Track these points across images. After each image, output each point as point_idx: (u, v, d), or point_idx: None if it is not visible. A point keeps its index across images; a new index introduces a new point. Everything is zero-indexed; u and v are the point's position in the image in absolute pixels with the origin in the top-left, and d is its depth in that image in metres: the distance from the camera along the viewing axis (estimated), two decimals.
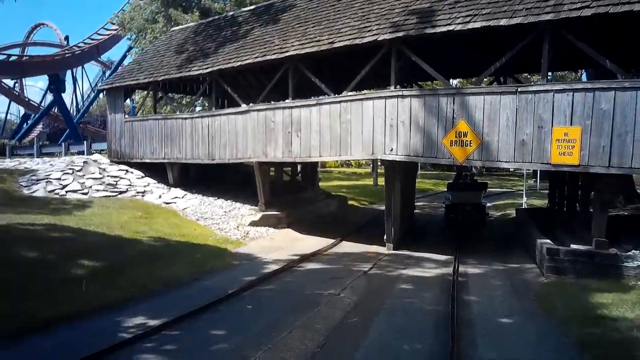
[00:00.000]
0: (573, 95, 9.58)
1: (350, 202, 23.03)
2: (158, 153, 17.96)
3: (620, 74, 9.29)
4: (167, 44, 20.61)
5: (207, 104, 25.37)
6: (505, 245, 13.47)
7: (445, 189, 19.81)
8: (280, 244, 13.00)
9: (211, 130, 16.07)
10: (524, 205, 20.39)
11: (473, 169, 38.46)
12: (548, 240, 10.25)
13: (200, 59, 16.67)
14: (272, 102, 14.13)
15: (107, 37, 51.73)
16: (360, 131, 12.44)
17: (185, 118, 17.13)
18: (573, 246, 9.87)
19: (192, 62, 16.81)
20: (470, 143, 10.80)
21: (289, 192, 17.97)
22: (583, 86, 9.50)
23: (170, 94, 22.64)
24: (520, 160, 10.21)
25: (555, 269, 9.35)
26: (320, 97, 13.07)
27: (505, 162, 10.44)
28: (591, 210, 11.72)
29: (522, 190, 28.69)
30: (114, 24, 42.09)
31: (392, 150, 11.90)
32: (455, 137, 10.96)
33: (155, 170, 18.59)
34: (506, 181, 42.72)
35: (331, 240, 13.72)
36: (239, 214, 15.32)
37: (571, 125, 9.62)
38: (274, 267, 10.04)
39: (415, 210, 21.12)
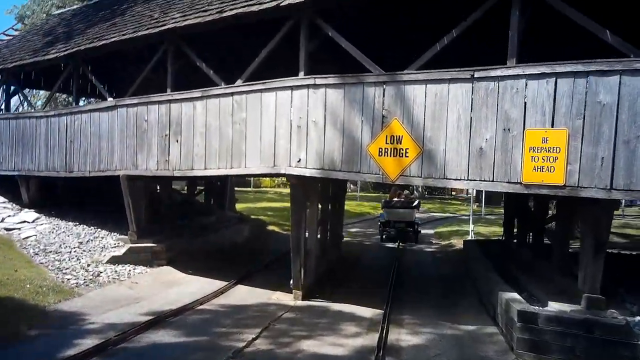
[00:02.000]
0: (556, 83, 6.47)
1: (270, 228, 19.30)
2: (8, 163, 13.62)
3: (627, 51, 6.30)
4: (40, 28, 16.40)
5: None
6: (453, 290, 10.20)
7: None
8: (141, 293, 9.09)
9: (70, 132, 12.00)
10: (471, 235, 17.46)
11: (415, 191, 35.80)
12: (516, 296, 6.98)
13: (63, 41, 12.66)
14: (147, 96, 10.37)
15: None
16: (258, 135, 8.88)
17: (40, 117, 12.94)
18: (554, 305, 6.65)
19: (53, 45, 12.76)
20: (406, 152, 7.49)
21: (183, 216, 14.03)
22: (572, 69, 6.37)
23: (29, 90, 18.19)
24: (477, 177, 6.97)
25: (532, 344, 6.06)
26: (207, 88, 9.49)
27: (456, 179, 7.16)
28: (570, 248, 8.73)
29: (468, 216, 26.15)
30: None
31: (299, 161, 8.41)
32: (387, 143, 7.62)
33: (10, 186, 14.18)
34: (449, 205, 40.45)
35: (222, 284, 10.00)
36: (99, 246, 11.27)
37: (552, 126, 6.50)
38: (89, 342, 6.16)
39: (344, 239, 17.73)
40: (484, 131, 6.92)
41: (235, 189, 38.51)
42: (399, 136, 7.53)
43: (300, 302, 8.93)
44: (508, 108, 6.77)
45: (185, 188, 16.36)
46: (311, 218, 10.20)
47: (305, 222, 9.28)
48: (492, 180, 6.87)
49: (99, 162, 11.32)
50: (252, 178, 41.45)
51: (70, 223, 12.63)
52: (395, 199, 18.35)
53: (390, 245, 16.89)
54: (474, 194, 51.98)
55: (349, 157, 7.96)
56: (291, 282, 9.22)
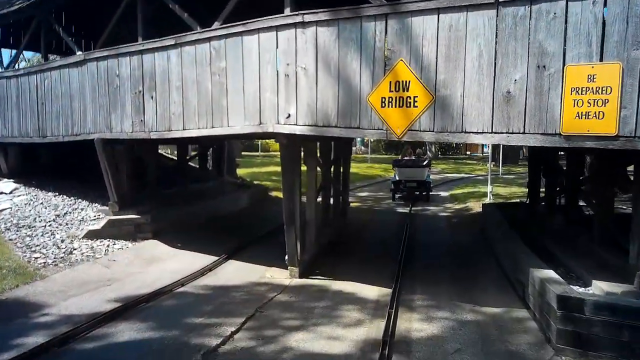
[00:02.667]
0: (605, 3, 5.01)
1: (274, 194, 18.12)
2: None
3: None
4: None
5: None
6: (472, 262, 8.96)
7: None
8: (116, 273, 7.99)
9: (40, 93, 10.76)
10: (490, 197, 16.09)
11: (427, 151, 34.34)
12: (553, 274, 5.70)
13: None
14: (117, 47, 9.02)
15: None
16: (240, 87, 7.53)
17: (9, 77, 11.67)
18: (599, 285, 5.39)
19: None
20: (415, 101, 6.11)
21: (174, 183, 12.87)
22: None
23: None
24: (503, 128, 5.60)
25: (576, 338, 4.82)
26: (181, 34, 8.13)
27: (477, 132, 5.79)
28: (624, 211, 7.41)
29: (484, 176, 24.94)
30: None
31: (289, 117, 7.08)
32: (390, 90, 6.24)
33: None
34: (463, 165, 38.85)
35: (212, 259, 8.91)
36: (77, 219, 10.21)
37: (601, 60, 5.06)
38: (32, 341, 5.08)
39: (351, 204, 16.53)
40: (512, 70, 5.51)
41: (243, 153, 37.49)
42: (406, 82, 6.14)
43: (296, 281, 7.79)
44: (543, 39, 5.32)
45: (176, 152, 15.08)
46: (309, 184, 8.99)
47: (300, 188, 8.02)
48: (523, 132, 5.49)
49: (72, 125, 10.10)
50: (259, 141, 40.18)
51: (50, 194, 11.58)
52: (407, 158, 18.12)
53: (401, 209, 15.66)
54: (490, 152, 50.38)
55: (346, 109, 6.61)
56: (286, 257, 8.06)
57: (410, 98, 6.12)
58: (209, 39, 7.82)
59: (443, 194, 19.90)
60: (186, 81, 8.15)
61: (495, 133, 5.66)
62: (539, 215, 10.03)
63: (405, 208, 15.72)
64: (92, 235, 9.45)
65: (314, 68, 6.79)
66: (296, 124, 7.03)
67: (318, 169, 9.40)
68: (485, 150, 51.04)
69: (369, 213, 15.01)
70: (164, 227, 10.55)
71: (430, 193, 17.91)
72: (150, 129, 8.73)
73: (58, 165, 13.38)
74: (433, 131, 6.04)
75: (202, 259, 8.99)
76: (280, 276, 7.98)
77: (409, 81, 6.11)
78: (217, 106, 7.83)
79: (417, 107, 6.08)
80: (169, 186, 12.52)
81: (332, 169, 11.56)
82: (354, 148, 50.84)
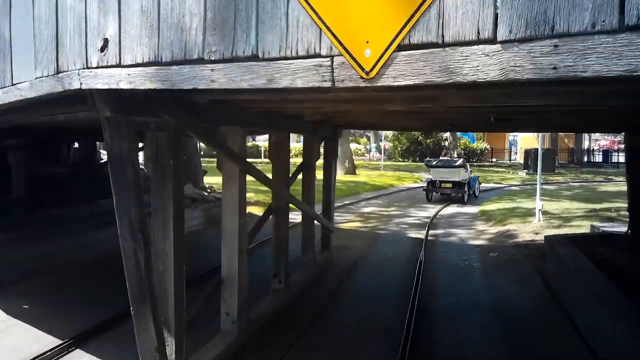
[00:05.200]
0: None
1: (248, 209, 13.82)
2: None
3: None
4: None
5: None
6: (538, 355, 4.54)
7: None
8: None
9: None
10: (539, 217, 11.50)
11: (455, 154, 30.97)
12: None
13: None
14: None
15: None
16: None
17: None
18: None
19: None
20: None
21: (65, 199, 8.69)
22: None
23: None
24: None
25: None
26: None
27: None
28: None
29: (518, 186, 20.61)
30: None
31: (104, 47, 2.81)
32: None
33: None
34: (490, 172, 33.94)
35: (53, 342, 4.73)
36: None
37: None
38: None
39: (349, 224, 12.19)
40: None
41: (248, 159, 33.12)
42: None
43: None
44: None
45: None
46: (231, 204, 4.75)
47: (172, 220, 3.68)
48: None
49: None
50: (261, 145, 35.88)
51: None
52: (442, 158, 18.24)
53: (414, 233, 11.23)
54: (517, 154, 45.18)
55: (227, 12, 2.33)
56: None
57: None
58: None
59: (471, 209, 15.37)
60: None
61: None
62: None
63: (420, 231, 11.29)
64: None
65: None
66: (119, 64, 2.77)
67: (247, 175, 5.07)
68: (514, 157, 46.15)
69: (368, 240, 10.60)
70: (21, 272, 6.41)
71: (478, 194, 18.15)
72: None
73: None
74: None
75: (41, 341, 4.85)
76: None
77: None
78: None
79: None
80: (63, 203, 8.38)
81: (299, 177, 7.34)
82: (367, 155, 46.57)
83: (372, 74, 1.95)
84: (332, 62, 2.07)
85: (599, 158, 41.57)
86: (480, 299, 6.50)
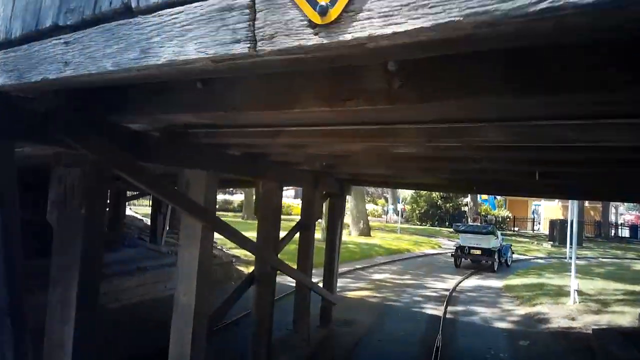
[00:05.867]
0: None
1: (245, 269, 12.55)
2: None
3: None
4: None
5: None
6: None
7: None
8: None
9: None
10: (575, 297, 10.01)
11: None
12: None
13: None
14: None
15: None
16: None
17: None
18: None
19: None
20: None
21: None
22: None
23: None
24: None
25: None
26: None
27: None
28: None
29: (545, 259, 19.28)
30: None
31: None
32: None
33: None
34: (514, 242, 32.11)
35: None
36: None
37: None
38: None
39: (358, 293, 10.82)
40: None
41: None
42: None
43: None
44: None
45: None
46: (188, 269, 3.67)
47: (75, 297, 2.58)
48: None
49: None
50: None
51: None
52: (472, 224, 18.53)
53: (430, 309, 9.84)
54: (540, 225, 43.04)
55: None
56: None
57: None
58: None
59: (494, 283, 13.88)
60: None
61: None
62: None
63: (437, 307, 9.91)
64: None
65: None
66: None
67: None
68: (537, 227, 44.21)
69: (377, 314, 9.22)
70: None
71: (511, 262, 17.45)
72: None
73: None
74: None
75: None
76: None
77: None
78: None
79: None
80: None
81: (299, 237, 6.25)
82: (384, 217, 45.11)
83: (333, 15, 0.91)
84: (253, 3, 1.04)
85: (626, 233, 39.46)
86: None
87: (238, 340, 5.61)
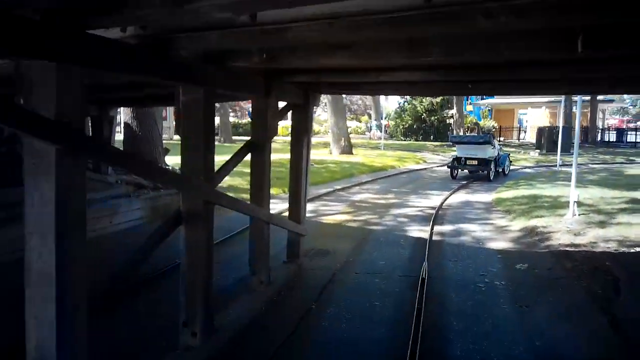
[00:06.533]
0: None
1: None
2: None
3: None
4: None
5: None
6: None
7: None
8: None
9: None
10: (574, 209, 9.04)
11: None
12: None
13: None
14: None
15: None
16: None
17: None
18: None
19: None
20: None
21: None
22: None
23: None
24: None
25: None
26: None
27: None
28: None
29: (533, 168, 18.69)
30: None
31: None
32: None
33: None
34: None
35: None
36: None
37: None
38: None
39: (334, 217, 9.78)
40: None
41: (235, 138, 30.25)
42: None
43: None
44: None
45: None
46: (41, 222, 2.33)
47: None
48: None
49: None
50: None
51: None
52: (469, 134, 18.69)
53: (417, 230, 8.86)
54: (527, 133, 42.10)
55: None
56: None
57: None
58: None
59: (483, 197, 12.97)
60: None
61: None
62: None
63: (422, 228, 8.95)
64: None
65: None
66: None
67: None
68: (522, 136, 43.21)
69: (356, 241, 8.20)
70: None
71: (510, 170, 17.93)
72: None
73: None
74: None
75: None
76: None
77: None
78: None
79: None
80: None
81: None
82: (367, 134, 43.77)
83: None
84: None
85: (613, 137, 38.89)
86: (511, 350, 4.14)
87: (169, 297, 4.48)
